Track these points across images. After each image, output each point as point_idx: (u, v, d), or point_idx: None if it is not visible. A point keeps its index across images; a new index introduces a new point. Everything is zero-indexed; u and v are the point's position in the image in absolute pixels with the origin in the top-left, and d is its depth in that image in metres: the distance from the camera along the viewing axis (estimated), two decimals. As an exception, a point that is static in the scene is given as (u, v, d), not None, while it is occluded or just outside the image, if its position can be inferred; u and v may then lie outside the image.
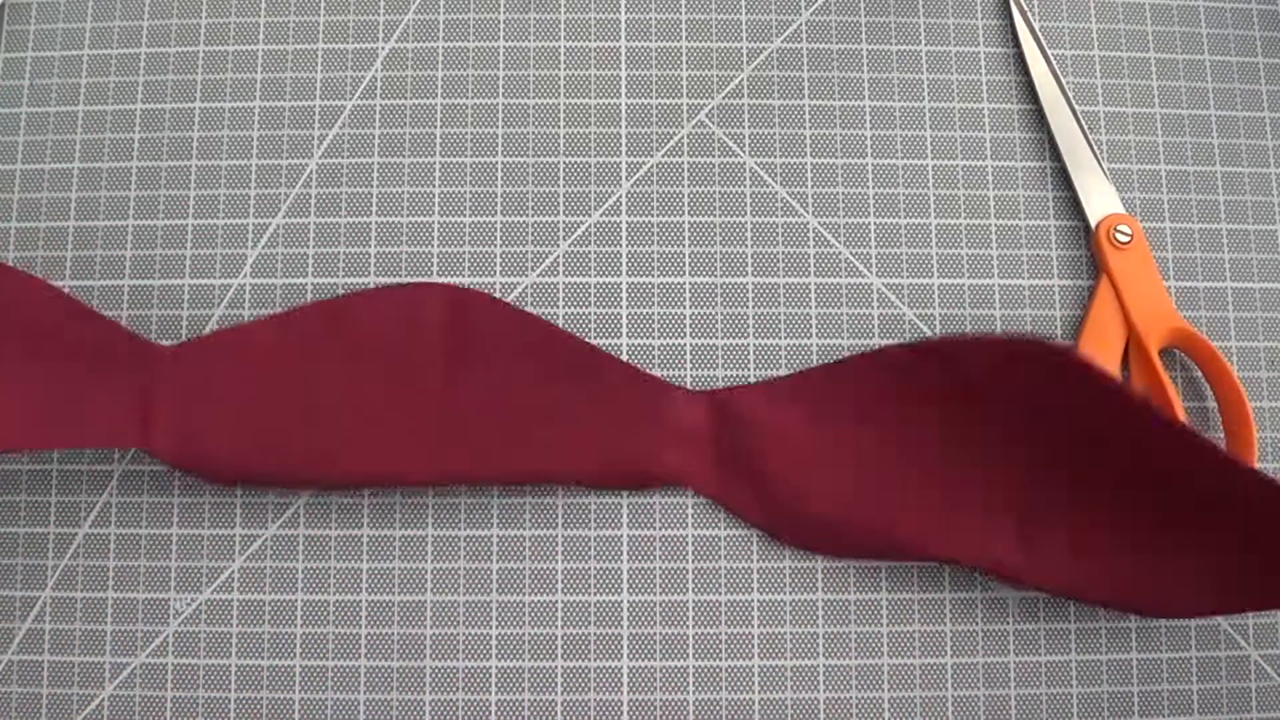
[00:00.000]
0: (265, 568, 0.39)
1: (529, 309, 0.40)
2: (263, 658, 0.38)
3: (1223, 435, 0.39)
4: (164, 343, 0.39)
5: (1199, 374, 0.40)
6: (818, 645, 0.38)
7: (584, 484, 0.38)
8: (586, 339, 0.40)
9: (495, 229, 0.41)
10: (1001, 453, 0.37)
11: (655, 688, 0.38)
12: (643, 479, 0.38)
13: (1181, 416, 0.38)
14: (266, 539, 0.39)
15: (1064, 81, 0.42)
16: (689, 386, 0.40)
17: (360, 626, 0.38)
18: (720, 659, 0.38)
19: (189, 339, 0.39)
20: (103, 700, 0.38)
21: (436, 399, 0.38)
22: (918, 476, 0.37)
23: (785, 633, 0.38)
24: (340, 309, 0.39)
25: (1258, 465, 0.39)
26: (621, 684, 0.38)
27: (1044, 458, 0.37)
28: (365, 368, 0.38)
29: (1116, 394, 0.34)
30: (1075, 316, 0.40)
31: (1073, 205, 0.41)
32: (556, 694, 0.38)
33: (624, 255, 0.41)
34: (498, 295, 0.40)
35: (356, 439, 0.37)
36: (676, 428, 0.39)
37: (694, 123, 0.42)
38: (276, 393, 0.38)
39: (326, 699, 0.38)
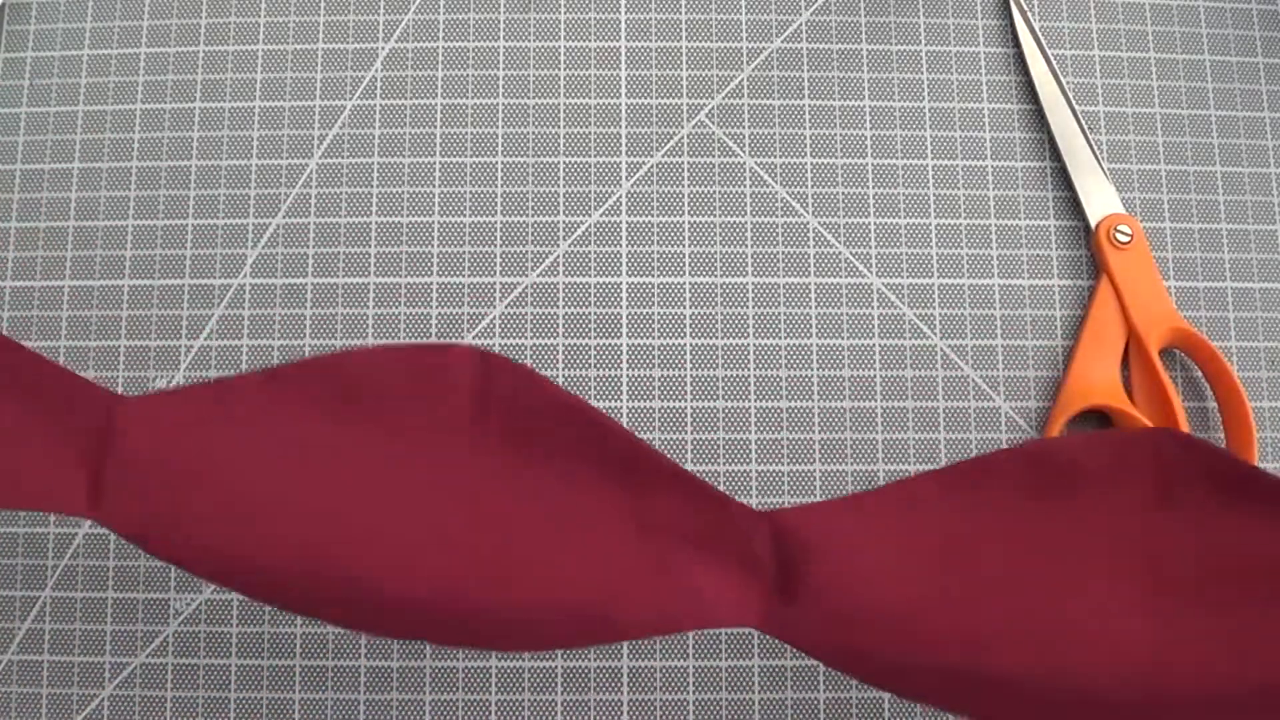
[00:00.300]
0: (265, 568, 0.39)
1: (529, 309, 0.40)
2: (263, 658, 0.38)
3: (1223, 435, 0.39)
4: (124, 392, 0.34)
5: (1199, 374, 0.40)
6: (818, 645, 0.38)
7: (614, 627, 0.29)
8: (587, 339, 0.40)
9: (495, 229, 0.41)
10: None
11: (655, 688, 0.38)
12: (696, 618, 0.30)
13: (1181, 417, 0.38)
14: (266, 539, 0.39)
15: (1064, 81, 0.42)
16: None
17: (360, 626, 0.38)
18: (720, 659, 0.38)
19: (157, 390, 0.34)
20: (103, 700, 0.38)
21: (457, 483, 0.30)
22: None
23: (785, 633, 0.38)
24: (340, 365, 0.31)
25: (1258, 464, 0.39)
26: (621, 684, 0.38)
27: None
28: (373, 442, 0.30)
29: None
30: (1075, 316, 0.40)
31: (1073, 205, 0.41)
32: (556, 694, 0.38)
33: (624, 255, 0.41)
34: (497, 295, 0.40)
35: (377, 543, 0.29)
36: (738, 554, 0.30)
37: (694, 123, 0.42)
38: (265, 472, 0.30)
39: (326, 699, 0.38)
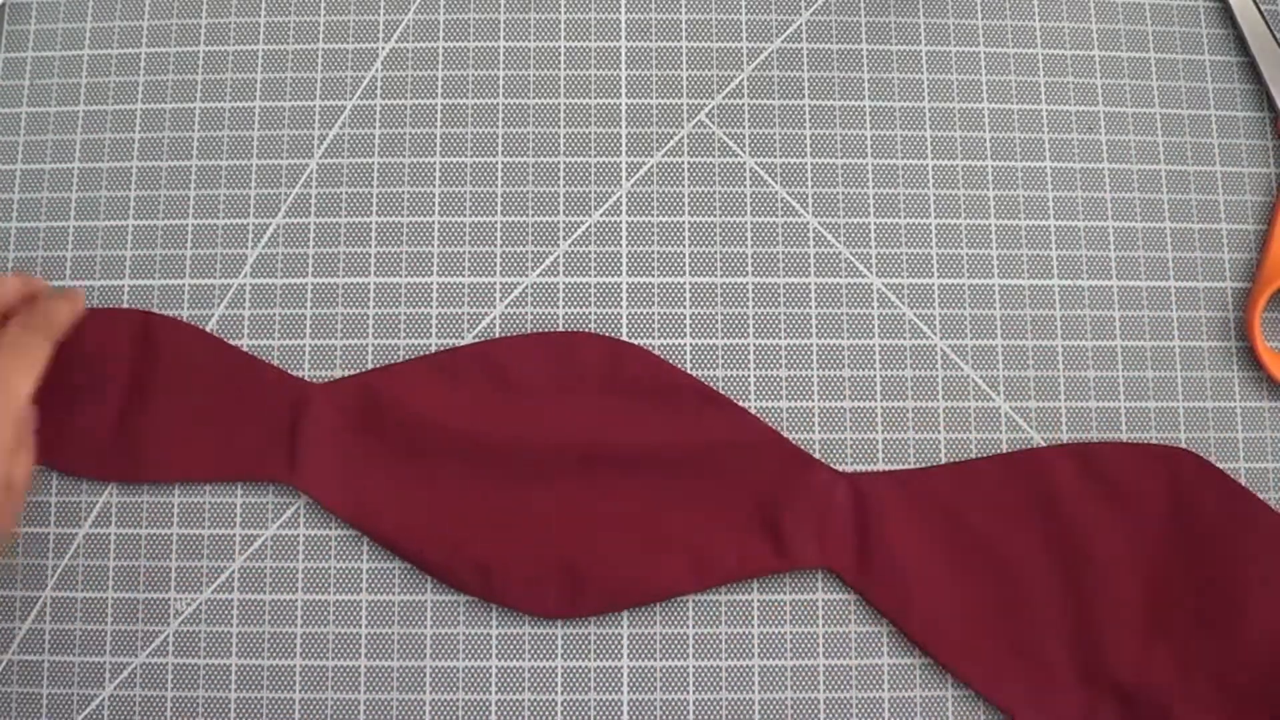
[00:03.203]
0: (265, 568, 0.39)
1: (529, 309, 0.40)
2: (263, 658, 0.38)
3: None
4: (315, 379, 0.40)
5: None
6: (818, 645, 0.38)
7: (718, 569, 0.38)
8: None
9: (495, 229, 0.41)
10: (1136, 560, 0.38)
11: (655, 688, 0.38)
12: (780, 562, 0.38)
13: None
14: (266, 539, 0.39)
15: (1065, 81, 0.42)
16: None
17: (360, 626, 0.38)
18: (720, 659, 0.38)
19: (338, 378, 0.39)
20: (103, 700, 0.38)
21: (585, 444, 0.38)
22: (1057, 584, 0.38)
23: (785, 633, 0.38)
24: (495, 351, 0.39)
25: None
26: (621, 684, 0.38)
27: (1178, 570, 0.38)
28: (525, 415, 0.38)
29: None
30: (1077, 316, 0.40)
31: (1069, 202, 0.41)
32: (556, 694, 0.38)
33: (624, 255, 0.41)
34: (497, 295, 0.40)
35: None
36: (823, 509, 0.38)
37: (694, 123, 0.42)
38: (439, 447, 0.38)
39: (326, 699, 0.38)
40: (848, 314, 0.40)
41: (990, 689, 0.37)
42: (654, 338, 0.40)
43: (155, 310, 0.40)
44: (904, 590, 0.37)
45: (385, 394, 0.38)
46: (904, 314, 0.40)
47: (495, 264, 0.41)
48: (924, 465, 0.39)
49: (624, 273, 0.41)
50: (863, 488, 0.38)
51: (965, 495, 0.38)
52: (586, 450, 0.38)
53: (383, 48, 0.42)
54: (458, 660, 0.38)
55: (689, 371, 0.40)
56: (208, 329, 0.40)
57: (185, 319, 0.40)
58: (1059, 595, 0.37)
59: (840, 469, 0.39)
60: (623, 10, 0.42)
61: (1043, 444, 0.39)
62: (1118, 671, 0.36)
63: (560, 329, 0.40)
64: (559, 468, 0.38)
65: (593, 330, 0.40)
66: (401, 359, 0.40)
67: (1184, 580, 0.37)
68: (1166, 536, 0.37)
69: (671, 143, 0.41)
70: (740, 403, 0.40)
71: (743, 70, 0.42)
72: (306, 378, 0.40)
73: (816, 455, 0.39)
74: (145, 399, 0.39)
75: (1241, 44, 0.42)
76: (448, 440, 0.38)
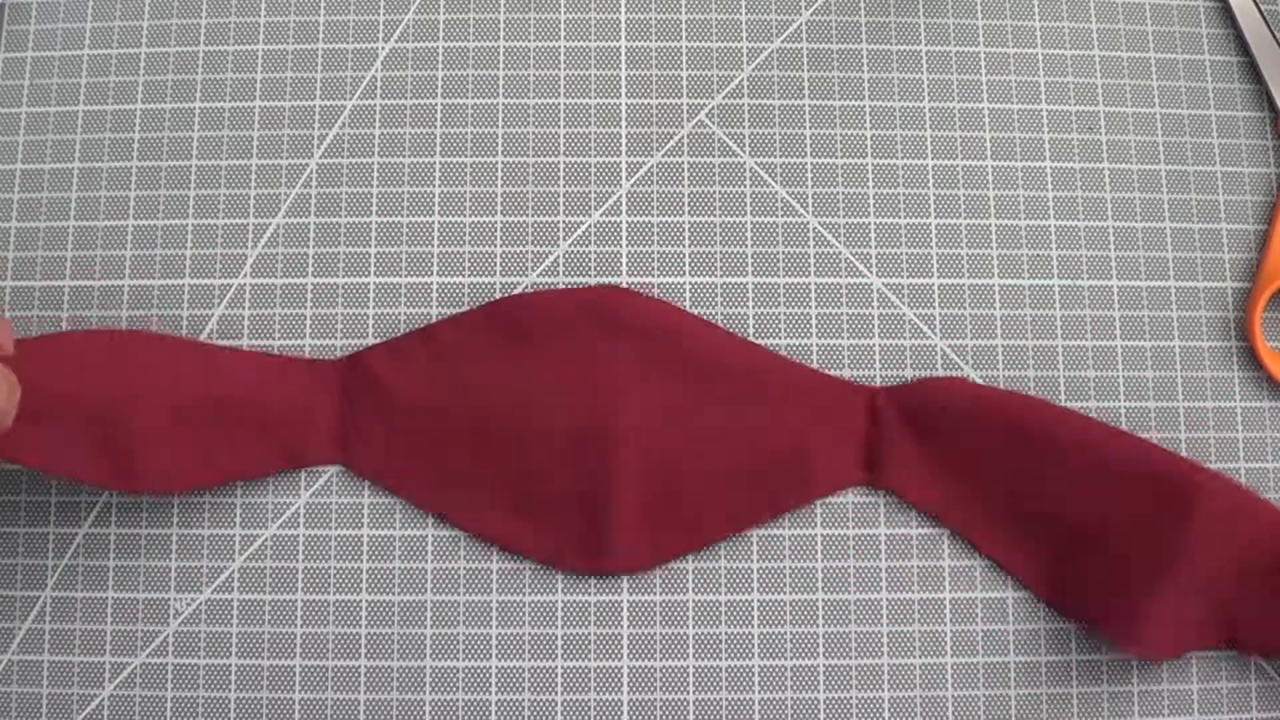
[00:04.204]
0: (265, 568, 0.39)
1: (529, 309, 0.40)
2: (263, 658, 0.38)
3: None
4: (327, 356, 0.40)
5: None
6: (818, 645, 0.38)
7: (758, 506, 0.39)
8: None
9: (495, 229, 0.41)
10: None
11: (655, 688, 0.38)
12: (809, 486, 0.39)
13: None
14: (266, 539, 0.39)
15: (1065, 81, 0.42)
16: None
17: (360, 626, 0.38)
18: (720, 659, 0.38)
19: (358, 350, 0.40)
20: (103, 700, 0.38)
21: (615, 397, 0.38)
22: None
23: (785, 633, 0.38)
24: (530, 299, 0.39)
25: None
26: (621, 684, 0.38)
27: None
28: (546, 368, 0.39)
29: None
30: (1077, 316, 0.40)
31: (1069, 202, 0.41)
32: (556, 694, 0.38)
33: (624, 255, 0.41)
34: (498, 295, 0.40)
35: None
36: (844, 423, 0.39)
37: (694, 123, 0.42)
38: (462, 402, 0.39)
39: (326, 699, 0.38)
40: (848, 314, 0.40)
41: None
42: (654, 338, 0.40)
43: (155, 309, 0.40)
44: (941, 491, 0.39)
45: (447, 350, 0.39)
46: (904, 314, 0.40)
47: (495, 264, 0.41)
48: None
49: (624, 273, 0.41)
50: (873, 400, 0.39)
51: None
52: (615, 404, 0.38)
53: (383, 48, 0.42)
54: (458, 660, 0.38)
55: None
56: (207, 329, 0.40)
57: (185, 319, 0.40)
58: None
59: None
60: (623, 10, 0.42)
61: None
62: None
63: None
64: (593, 424, 0.38)
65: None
66: (401, 359, 0.40)
67: None
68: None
69: (671, 143, 0.41)
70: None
71: (743, 70, 0.42)
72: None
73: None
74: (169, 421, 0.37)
75: (1241, 44, 0.42)
76: (498, 394, 0.38)
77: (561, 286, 0.40)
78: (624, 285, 0.40)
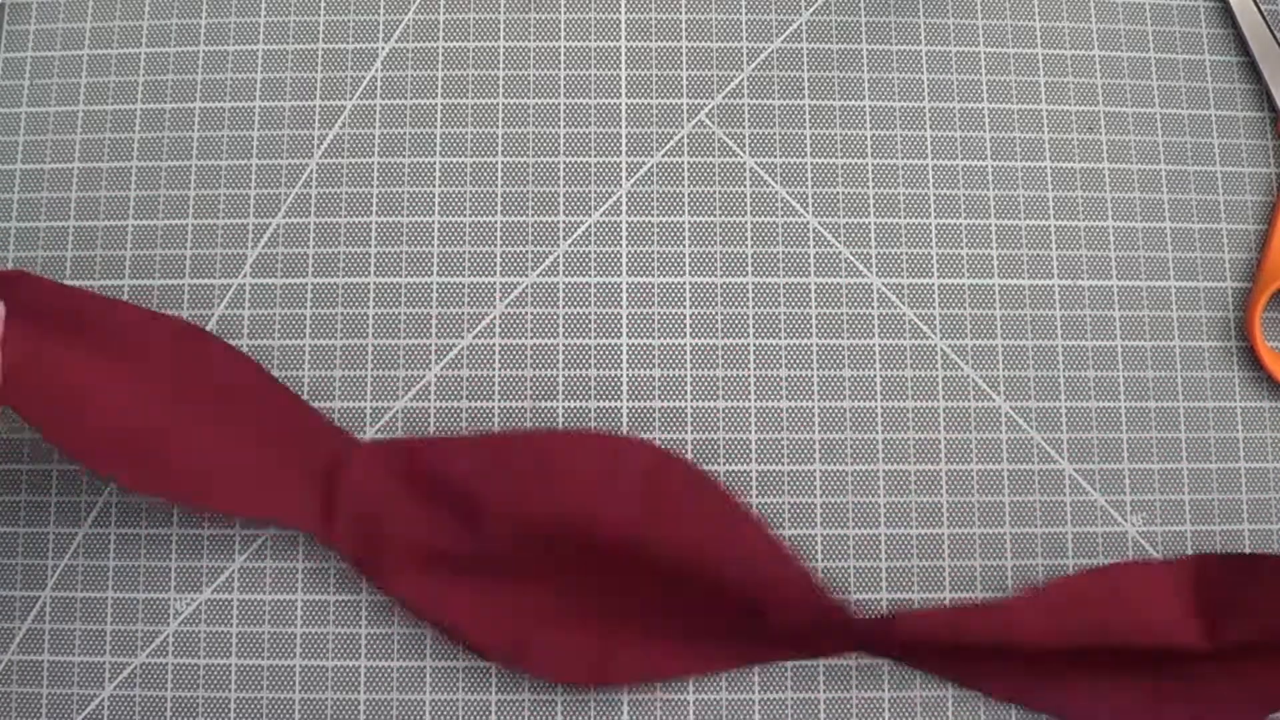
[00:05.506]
0: (265, 568, 0.39)
1: (529, 309, 0.40)
2: (263, 658, 0.38)
3: None
4: (361, 436, 0.39)
5: None
6: (818, 645, 0.38)
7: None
8: (587, 339, 0.40)
9: (495, 229, 0.41)
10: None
11: (655, 687, 0.38)
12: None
13: None
14: (266, 539, 0.39)
15: (1065, 81, 0.42)
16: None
17: (360, 626, 0.38)
18: (720, 659, 0.38)
19: (385, 438, 0.39)
20: (103, 700, 0.38)
21: (625, 546, 0.37)
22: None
23: (785, 633, 0.38)
24: (545, 445, 0.38)
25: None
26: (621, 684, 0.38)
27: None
28: (566, 508, 0.37)
29: None
30: (1077, 316, 0.40)
31: (1069, 202, 0.41)
32: (556, 694, 0.38)
33: (624, 255, 0.41)
34: (497, 295, 0.40)
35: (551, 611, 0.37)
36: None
37: (694, 123, 0.42)
38: (474, 532, 0.37)
39: (326, 699, 0.38)
40: (848, 314, 0.40)
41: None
42: (654, 337, 0.40)
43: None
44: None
45: (428, 464, 0.38)
46: (904, 314, 0.40)
47: (495, 264, 0.41)
48: (921, 468, 0.39)
49: (624, 273, 0.41)
50: (879, 632, 0.37)
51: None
52: (625, 553, 0.37)
53: (383, 48, 0.42)
54: (458, 660, 0.38)
55: (688, 372, 0.40)
56: (207, 329, 0.40)
57: (185, 319, 0.40)
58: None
59: (857, 472, 0.39)
60: (623, 10, 0.42)
61: (1044, 443, 0.39)
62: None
63: (560, 329, 0.40)
64: (596, 562, 0.37)
65: (593, 330, 0.40)
66: (401, 359, 0.40)
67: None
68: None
69: (671, 143, 0.41)
70: (740, 403, 0.40)
71: (743, 70, 0.42)
72: (306, 378, 0.40)
73: (815, 454, 0.39)
74: (185, 417, 0.37)
75: (1241, 44, 0.42)
76: (487, 518, 0.37)
77: (566, 281, 0.40)
78: (624, 282, 0.40)
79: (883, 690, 0.38)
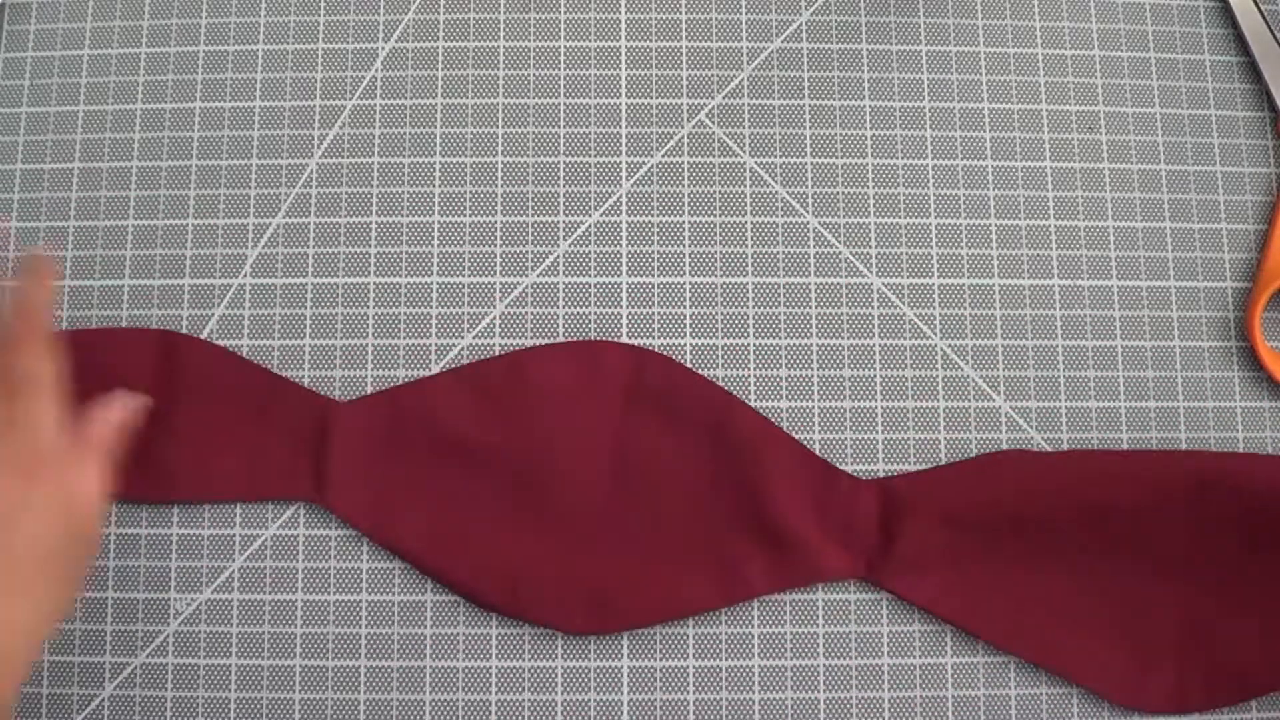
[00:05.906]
0: (265, 568, 0.39)
1: (529, 309, 0.40)
2: (263, 658, 0.38)
3: None
4: (339, 397, 0.39)
5: None
6: (818, 645, 0.38)
7: (748, 584, 0.38)
8: (587, 339, 0.40)
9: (495, 229, 0.41)
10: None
11: (655, 688, 0.38)
12: (809, 577, 0.38)
13: None
14: (266, 539, 0.39)
15: (1065, 81, 0.42)
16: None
17: (360, 626, 0.38)
18: (720, 659, 0.38)
19: (365, 395, 0.39)
20: (103, 700, 0.38)
21: (611, 455, 0.38)
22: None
23: (785, 633, 0.38)
24: (522, 360, 0.39)
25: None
26: (621, 684, 0.38)
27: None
28: (552, 426, 0.38)
29: None
30: (1077, 316, 0.40)
31: (1069, 202, 0.41)
32: (556, 694, 0.38)
33: (624, 255, 0.41)
34: (497, 295, 0.40)
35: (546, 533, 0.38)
36: (847, 518, 0.38)
37: (694, 123, 0.42)
38: (462, 463, 0.38)
39: (326, 699, 0.38)
40: (848, 314, 0.40)
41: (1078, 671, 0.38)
42: (654, 338, 0.40)
43: (155, 309, 0.40)
44: (943, 587, 0.38)
45: (412, 410, 0.38)
46: (904, 314, 0.40)
47: (495, 264, 0.41)
48: (922, 468, 0.39)
49: (624, 273, 0.41)
50: (886, 492, 0.38)
51: (993, 488, 0.38)
52: (612, 464, 0.38)
53: (383, 48, 0.42)
54: (458, 660, 0.38)
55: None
56: (207, 329, 0.40)
57: (185, 319, 0.40)
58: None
59: (855, 471, 0.39)
60: (623, 10, 0.42)
61: (1044, 444, 0.39)
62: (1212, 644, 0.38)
63: (560, 329, 0.40)
64: (586, 482, 0.38)
65: (592, 330, 0.40)
66: (401, 359, 0.40)
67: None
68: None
69: (671, 143, 0.41)
70: (740, 403, 0.40)
71: (743, 70, 0.42)
72: (306, 379, 0.40)
73: (816, 455, 0.39)
74: (170, 420, 0.38)
75: (1241, 44, 0.42)
76: (475, 456, 0.38)
77: (562, 282, 0.40)
78: (624, 282, 0.40)
79: (883, 690, 0.38)
